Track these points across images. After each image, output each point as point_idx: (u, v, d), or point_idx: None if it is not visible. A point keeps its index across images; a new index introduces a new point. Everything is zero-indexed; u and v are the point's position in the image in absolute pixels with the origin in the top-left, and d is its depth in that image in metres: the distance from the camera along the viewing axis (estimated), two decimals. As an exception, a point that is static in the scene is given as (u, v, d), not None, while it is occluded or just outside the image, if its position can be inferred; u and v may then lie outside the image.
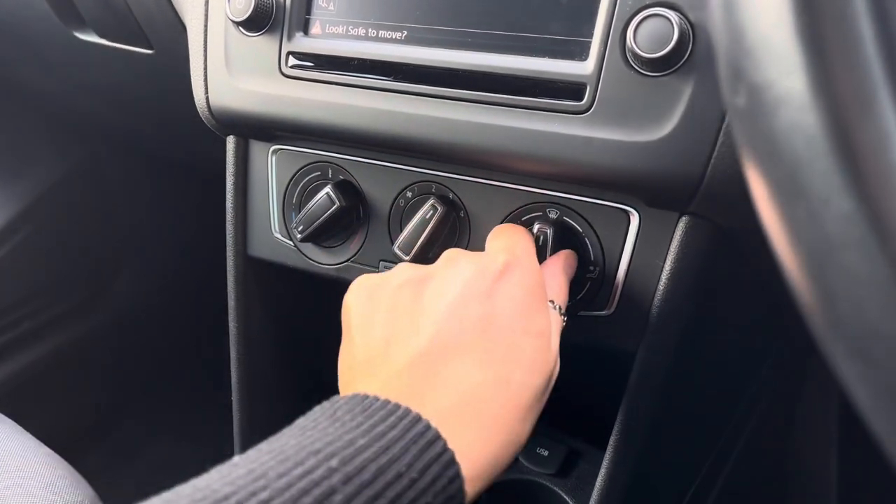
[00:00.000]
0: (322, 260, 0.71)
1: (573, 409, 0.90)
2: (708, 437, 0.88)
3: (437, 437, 0.37)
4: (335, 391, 0.85)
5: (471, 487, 0.38)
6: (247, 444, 0.79)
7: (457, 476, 0.37)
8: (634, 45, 0.50)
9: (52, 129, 1.52)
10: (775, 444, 1.12)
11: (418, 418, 0.38)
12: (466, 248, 0.64)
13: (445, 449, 0.37)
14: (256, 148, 0.72)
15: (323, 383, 0.87)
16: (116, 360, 1.69)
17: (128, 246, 1.68)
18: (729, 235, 0.56)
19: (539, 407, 0.45)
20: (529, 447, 0.87)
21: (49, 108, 1.44)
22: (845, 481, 1.13)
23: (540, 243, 0.58)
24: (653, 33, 0.49)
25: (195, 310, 1.83)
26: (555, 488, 0.83)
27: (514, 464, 0.87)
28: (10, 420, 0.94)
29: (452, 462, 0.37)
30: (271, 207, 0.72)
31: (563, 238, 0.59)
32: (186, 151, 1.43)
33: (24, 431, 0.92)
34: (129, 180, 1.65)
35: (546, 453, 0.85)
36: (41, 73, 1.20)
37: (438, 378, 0.41)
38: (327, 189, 0.67)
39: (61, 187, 1.56)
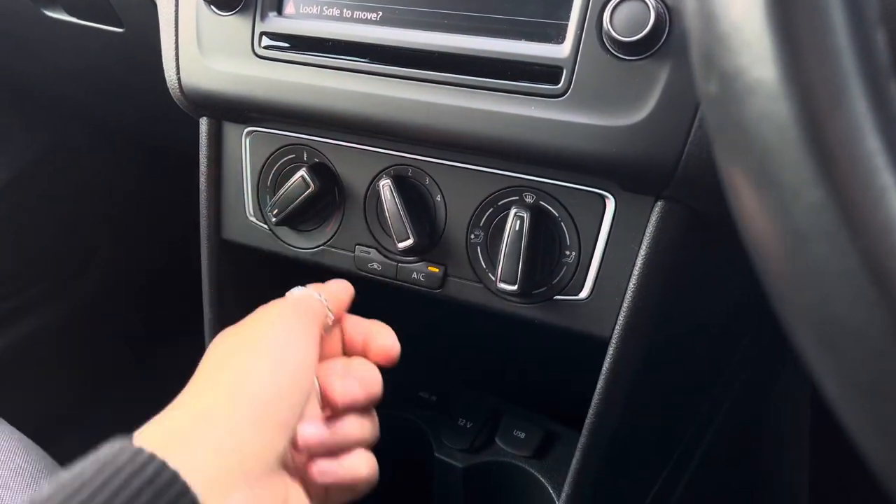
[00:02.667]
0: (297, 244, 0.70)
1: (549, 391, 0.91)
2: (681, 422, 0.89)
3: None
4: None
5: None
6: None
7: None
8: (611, 29, 0.50)
9: (24, 109, 1.49)
10: (748, 430, 1.14)
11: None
12: (442, 232, 0.63)
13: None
14: (230, 129, 0.71)
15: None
16: (91, 346, 1.67)
17: (102, 230, 1.66)
18: (705, 220, 0.56)
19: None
20: (506, 429, 0.87)
21: (19, 88, 1.41)
22: (817, 467, 1.16)
23: (517, 228, 0.58)
24: (629, 17, 0.49)
25: (171, 295, 1.81)
26: (531, 470, 0.83)
27: (490, 445, 0.87)
28: (-19, 405, 0.93)
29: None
30: (245, 190, 0.71)
31: (539, 222, 0.59)
32: (160, 133, 1.41)
33: (-4, 416, 0.91)
34: (103, 162, 1.62)
35: (522, 435, 0.86)
36: (10, 51, 1.17)
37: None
38: (302, 172, 0.66)
39: (33, 169, 1.53)
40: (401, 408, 0.90)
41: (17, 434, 0.87)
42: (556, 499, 0.81)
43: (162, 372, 1.73)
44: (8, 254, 1.50)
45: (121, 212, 1.67)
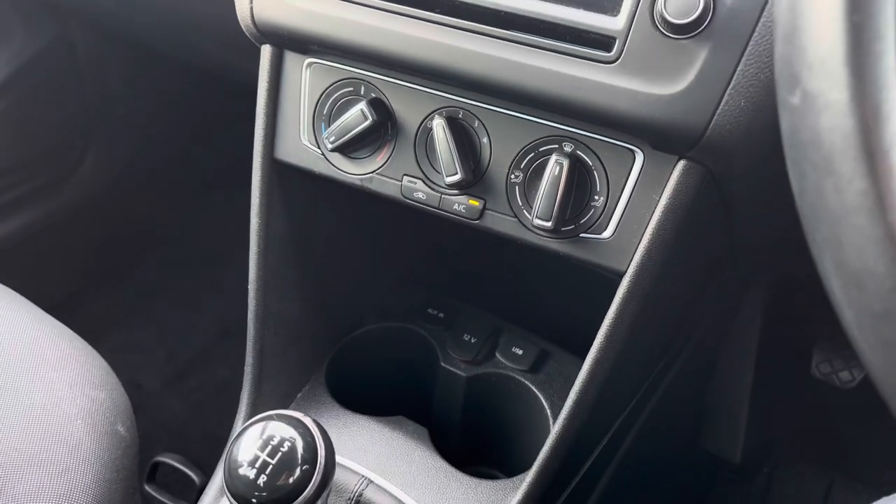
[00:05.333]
0: (348, 169, 0.78)
1: (545, 315, 1.02)
2: (657, 354, 1.01)
3: None
4: (343, 290, 0.94)
5: None
6: (260, 333, 0.87)
7: None
8: (664, 10, 0.58)
9: (23, 6, 1.49)
10: (707, 362, 1.28)
11: None
12: (485, 171, 0.72)
13: None
14: (291, 59, 0.77)
15: (332, 284, 0.96)
16: (80, 244, 1.72)
17: (96, 129, 1.68)
18: (717, 180, 0.66)
19: None
20: (505, 346, 0.98)
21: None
22: (757, 398, 1.32)
23: (556, 172, 0.67)
24: (681, 1, 0.57)
25: (159, 198, 1.86)
26: (526, 382, 0.95)
27: (491, 359, 0.98)
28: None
29: None
30: (302, 116, 0.78)
31: (575, 169, 0.68)
32: (168, 40, 1.44)
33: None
34: (100, 62, 1.63)
35: (520, 352, 0.97)
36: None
37: None
38: (361, 105, 0.73)
39: (32, 65, 1.54)
40: (412, 322, 1.00)
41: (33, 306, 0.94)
42: (546, 408, 0.93)
43: (150, 273, 1.79)
44: (8, 148, 1.53)
45: (116, 112, 1.69)
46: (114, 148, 1.71)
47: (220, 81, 1.47)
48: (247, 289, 0.86)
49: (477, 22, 0.65)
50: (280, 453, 0.59)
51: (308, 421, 0.61)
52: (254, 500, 0.58)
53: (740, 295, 1.28)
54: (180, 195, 1.88)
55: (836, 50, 0.30)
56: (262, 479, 0.58)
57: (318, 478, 0.58)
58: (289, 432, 0.60)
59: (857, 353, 0.33)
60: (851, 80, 0.30)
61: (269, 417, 0.62)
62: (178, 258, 1.82)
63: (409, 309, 1.02)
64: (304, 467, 0.59)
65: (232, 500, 0.58)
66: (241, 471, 0.58)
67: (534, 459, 0.79)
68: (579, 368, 0.75)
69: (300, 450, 0.59)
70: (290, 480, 0.58)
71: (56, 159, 1.63)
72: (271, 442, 0.59)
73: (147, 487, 1.17)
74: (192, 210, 1.87)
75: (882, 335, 0.31)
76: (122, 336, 1.66)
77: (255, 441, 0.60)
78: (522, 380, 0.95)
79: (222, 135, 1.85)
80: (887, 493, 0.67)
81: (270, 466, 0.58)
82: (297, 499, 0.58)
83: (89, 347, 0.93)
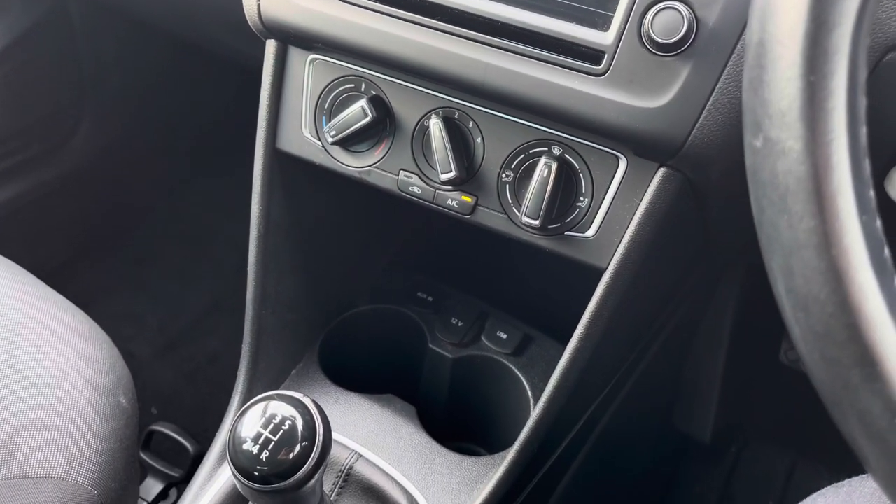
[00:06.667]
0: (348, 162, 0.82)
1: (529, 303, 1.07)
2: (634, 340, 1.06)
3: None
4: (337, 273, 0.98)
5: None
6: (258, 313, 0.91)
7: None
8: (650, 29, 0.62)
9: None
10: (681, 348, 1.34)
11: None
12: (478, 169, 0.76)
13: None
14: (295, 54, 0.81)
15: (326, 267, 1.00)
16: (73, 214, 1.74)
17: (90, 100, 1.69)
18: (693, 187, 0.70)
19: None
20: (490, 330, 1.03)
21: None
22: (727, 381, 1.39)
23: (545, 174, 0.71)
24: (666, 22, 0.62)
25: (151, 171, 1.88)
26: (510, 365, 1.00)
27: (476, 342, 1.03)
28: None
29: None
30: (304, 110, 0.82)
31: (563, 171, 0.72)
32: (164, 14, 1.45)
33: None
34: (96, 34, 1.64)
35: (505, 336, 1.02)
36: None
37: None
38: (362, 102, 0.77)
39: (28, 36, 1.55)
40: (402, 304, 1.05)
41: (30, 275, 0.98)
42: (528, 389, 0.98)
43: (141, 243, 1.82)
44: (2, 117, 1.54)
45: (110, 85, 1.70)
46: (107, 119, 1.73)
47: (214, 58, 1.49)
48: (237, 263, 0.90)
49: (474, 30, 0.69)
50: (281, 431, 0.63)
51: (307, 401, 0.65)
52: (256, 474, 0.62)
53: (714, 285, 1.33)
54: (172, 168, 1.90)
55: (793, 105, 0.35)
56: (264, 455, 0.62)
57: (317, 454, 0.63)
58: (289, 411, 0.64)
59: (805, 366, 0.38)
60: (805, 132, 0.35)
61: (271, 397, 0.66)
62: (169, 230, 1.85)
63: (399, 292, 1.07)
64: (303, 444, 0.63)
65: (236, 472, 0.63)
66: (245, 446, 0.63)
67: (514, 437, 0.84)
68: (560, 353, 0.80)
69: (300, 428, 0.63)
70: (291, 456, 0.63)
71: (50, 130, 1.64)
72: (273, 420, 0.63)
73: (142, 455, 1.22)
74: (183, 183, 1.90)
75: (822, 353, 0.36)
76: (114, 306, 1.69)
77: (258, 419, 0.64)
78: (506, 362, 1.00)
79: (215, 110, 1.87)
80: (847, 475, 0.73)
81: (272, 443, 0.63)
82: (296, 473, 0.63)
83: (92, 322, 0.97)
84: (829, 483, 0.75)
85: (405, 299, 1.05)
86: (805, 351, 0.37)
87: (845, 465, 0.77)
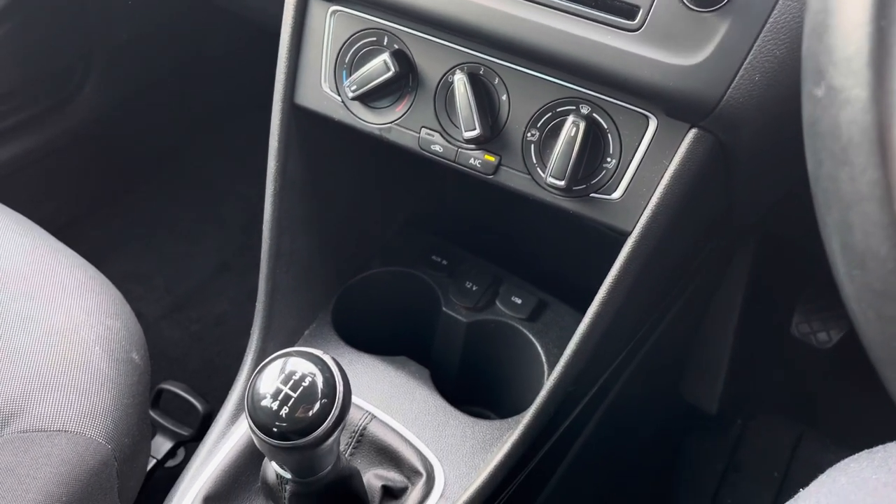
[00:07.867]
0: (368, 118, 0.80)
1: (544, 268, 1.06)
2: (651, 308, 1.05)
3: None
4: (352, 233, 0.97)
5: None
6: (273, 271, 0.90)
7: None
8: (689, -17, 0.60)
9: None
10: (695, 318, 1.34)
11: None
12: (502, 127, 0.74)
13: None
14: (316, 5, 0.79)
15: (341, 227, 0.99)
16: (81, 170, 1.72)
17: (98, 55, 1.67)
18: (724, 148, 0.69)
19: None
20: (505, 295, 1.02)
21: None
22: (737, 353, 1.38)
23: (572, 133, 0.69)
24: (706, -25, 0.59)
25: (159, 128, 1.85)
26: (524, 330, 0.99)
27: (491, 307, 1.02)
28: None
29: None
30: (323, 64, 0.80)
31: (590, 130, 0.70)
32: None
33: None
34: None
35: (519, 301, 1.01)
36: None
37: None
38: (385, 56, 0.75)
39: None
40: (416, 267, 1.04)
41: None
42: (542, 355, 0.97)
43: (149, 198, 1.80)
44: (9, 72, 1.52)
45: (120, 36, 1.67)
46: (115, 75, 1.70)
47: (226, 14, 1.46)
48: (245, 224, 0.88)
49: (505, -18, 0.67)
50: (301, 387, 0.62)
51: (328, 358, 0.64)
52: (275, 430, 0.61)
53: (729, 257, 1.32)
54: (181, 126, 1.88)
55: (861, 51, 0.33)
56: (284, 411, 0.61)
57: (337, 411, 0.62)
58: (310, 368, 0.63)
59: (854, 325, 0.37)
60: (873, 79, 0.33)
61: (290, 354, 0.65)
62: (177, 189, 1.84)
63: (413, 255, 1.05)
64: (323, 401, 0.62)
65: (255, 428, 0.62)
66: (264, 402, 0.62)
67: (526, 403, 0.84)
68: (575, 320, 0.79)
69: (320, 385, 0.62)
70: (310, 413, 0.62)
71: (57, 85, 1.62)
72: (293, 376, 0.63)
73: (151, 412, 1.22)
74: (192, 141, 1.88)
75: (879, 311, 0.35)
76: (122, 265, 1.68)
77: (277, 375, 0.63)
78: (520, 328, 0.99)
79: (226, 68, 1.84)
80: (853, 448, 0.72)
81: (292, 399, 0.62)
82: (315, 430, 0.62)
83: (103, 277, 0.96)
84: (835, 455, 0.74)
85: (419, 262, 1.04)
86: (858, 310, 0.36)
87: (852, 438, 0.77)
